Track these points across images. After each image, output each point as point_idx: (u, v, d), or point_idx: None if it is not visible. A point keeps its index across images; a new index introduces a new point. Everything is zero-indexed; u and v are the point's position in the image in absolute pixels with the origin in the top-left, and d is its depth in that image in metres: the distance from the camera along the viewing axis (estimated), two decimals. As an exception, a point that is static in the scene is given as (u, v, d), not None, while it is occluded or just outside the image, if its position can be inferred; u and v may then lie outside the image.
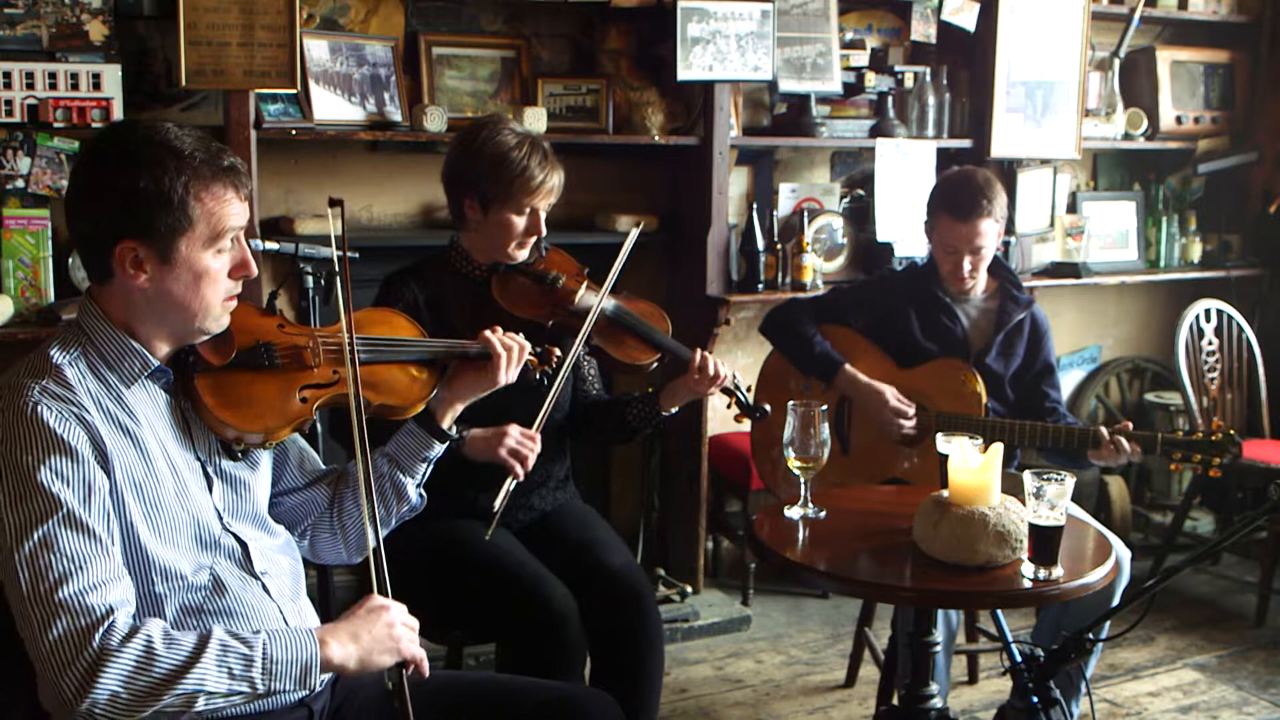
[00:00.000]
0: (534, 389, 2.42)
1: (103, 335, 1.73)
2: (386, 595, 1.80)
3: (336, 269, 1.95)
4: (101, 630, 1.55)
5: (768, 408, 2.76)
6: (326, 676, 1.87)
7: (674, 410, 2.72)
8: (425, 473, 2.11)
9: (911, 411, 3.10)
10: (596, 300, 2.58)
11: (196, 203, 1.69)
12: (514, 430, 2.44)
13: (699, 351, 2.64)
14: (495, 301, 2.57)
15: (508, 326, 2.24)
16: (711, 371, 2.63)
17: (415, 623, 1.80)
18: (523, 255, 2.64)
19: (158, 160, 1.68)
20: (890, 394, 3.10)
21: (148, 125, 1.74)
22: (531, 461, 2.44)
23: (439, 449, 2.09)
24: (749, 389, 2.80)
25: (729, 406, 2.77)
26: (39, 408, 1.63)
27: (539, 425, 2.46)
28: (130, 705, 1.55)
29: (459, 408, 2.13)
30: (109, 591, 1.59)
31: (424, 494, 2.13)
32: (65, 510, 1.59)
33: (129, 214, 1.68)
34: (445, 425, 2.10)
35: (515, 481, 2.43)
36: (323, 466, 2.12)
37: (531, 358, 2.25)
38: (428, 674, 1.82)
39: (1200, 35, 4.93)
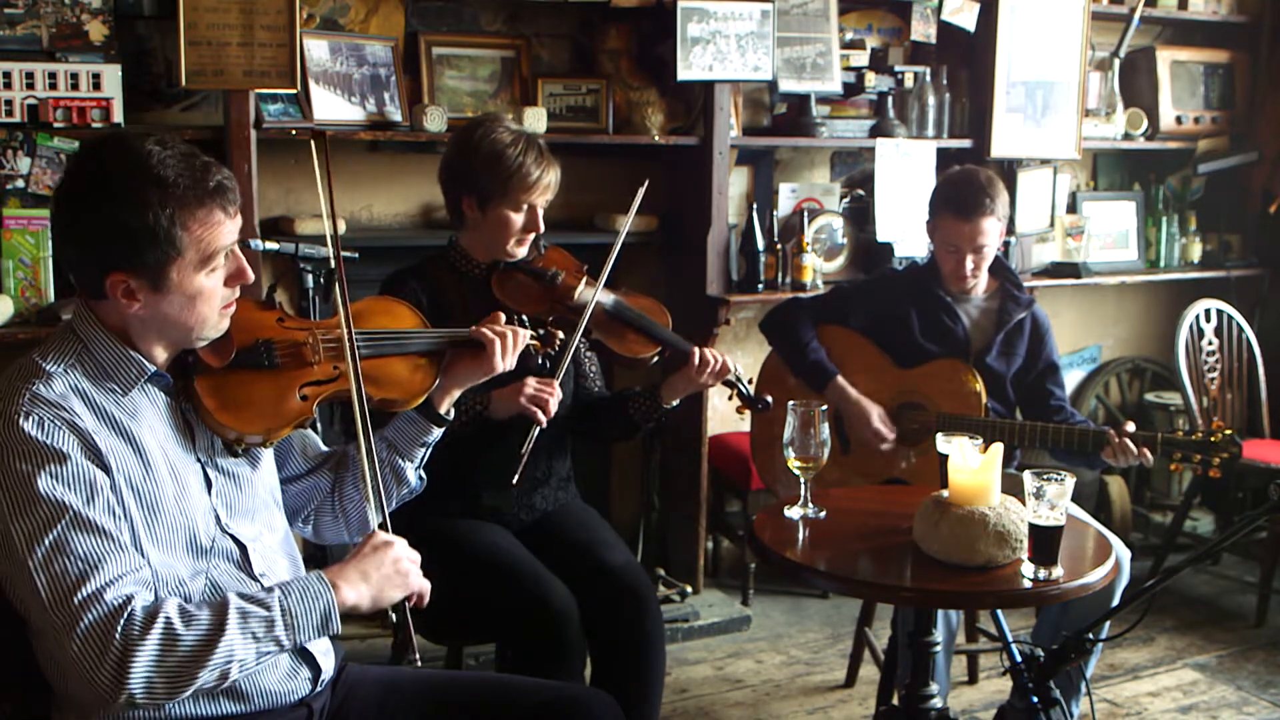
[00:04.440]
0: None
1: (98, 343, 1.72)
2: (387, 531, 1.82)
3: (325, 221, 1.93)
4: (122, 622, 1.55)
5: (769, 399, 2.77)
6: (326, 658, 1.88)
7: (675, 403, 2.74)
8: (424, 457, 2.13)
9: (892, 437, 3.12)
10: (593, 293, 2.59)
11: (184, 232, 1.66)
12: (530, 380, 2.48)
13: (698, 346, 2.65)
14: (496, 299, 2.58)
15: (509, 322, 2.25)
16: (712, 363, 2.64)
17: (417, 555, 1.82)
18: (522, 252, 2.65)
19: (139, 193, 1.63)
20: (875, 415, 3.12)
21: (128, 149, 1.67)
22: (553, 406, 2.47)
23: (436, 434, 2.12)
24: (750, 382, 2.80)
25: (730, 399, 2.78)
26: (28, 418, 1.62)
27: (558, 377, 2.50)
28: (167, 687, 1.56)
29: (456, 394, 2.15)
30: (125, 584, 1.59)
31: (423, 476, 2.15)
32: (72, 513, 1.59)
33: (114, 249, 1.65)
34: (443, 411, 2.12)
35: (539, 429, 2.46)
36: (324, 448, 2.13)
37: (534, 342, 2.28)
38: (426, 604, 1.83)
39: (1200, 35, 4.93)
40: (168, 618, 1.58)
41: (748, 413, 2.81)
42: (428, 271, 2.68)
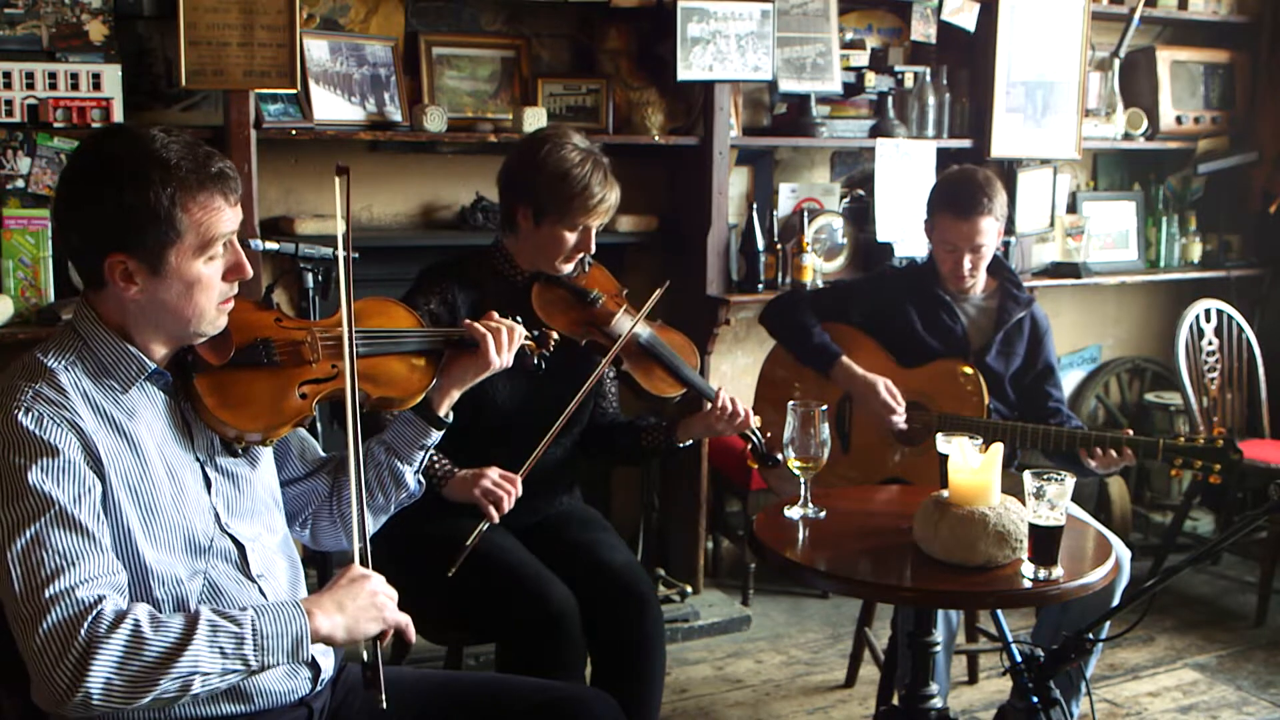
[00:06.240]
0: (541, 390, 2.42)
1: (98, 340, 1.72)
2: (367, 566, 1.80)
3: (339, 251, 1.94)
4: (89, 620, 1.54)
5: (780, 456, 2.74)
6: (322, 660, 1.88)
7: (689, 442, 2.73)
8: (423, 460, 2.11)
9: (901, 406, 3.09)
10: (631, 324, 2.57)
11: (184, 214, 1.67)
12: (493, 472, 2.42)
13: (723, 392, 2.64)
14: (533, 310, 2.54)
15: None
16: (732, 413, 2.62)
17: (394, 592, 1.80)
18: (568, 269, 2.63)
19: (142, 173, 1.65)
20: (882, 385, 3.09)
21: (133, 134, 1.71)
22: (507, 506, 2.40)
23: (436, 436, 2.10)
24: (766, 436, 2.76)
25: (743, 452, 2.77)
26: (28, 413, 1.62)
27: (525, 471, 2.42)
28: (126, 692, 1.53)
29: (455, 394, 2.13)
30: (99, 585, 1.58)
31: (423, 481, 2.14)
32: (57, 508, 1.59)
33: (115, 229, 1.66)
34: (442, 413, 2.10)
35: (488, 524, 2.38)
36: (322, 454, 2.12)
37: (528, 342, 2.26)
38: (413, 639, 1.82)
39: (1200, 35, 4.93)
40: (136, 620, 1.56)
41: (757, 466, 2.77)
42: (470, 273, 2.64)
